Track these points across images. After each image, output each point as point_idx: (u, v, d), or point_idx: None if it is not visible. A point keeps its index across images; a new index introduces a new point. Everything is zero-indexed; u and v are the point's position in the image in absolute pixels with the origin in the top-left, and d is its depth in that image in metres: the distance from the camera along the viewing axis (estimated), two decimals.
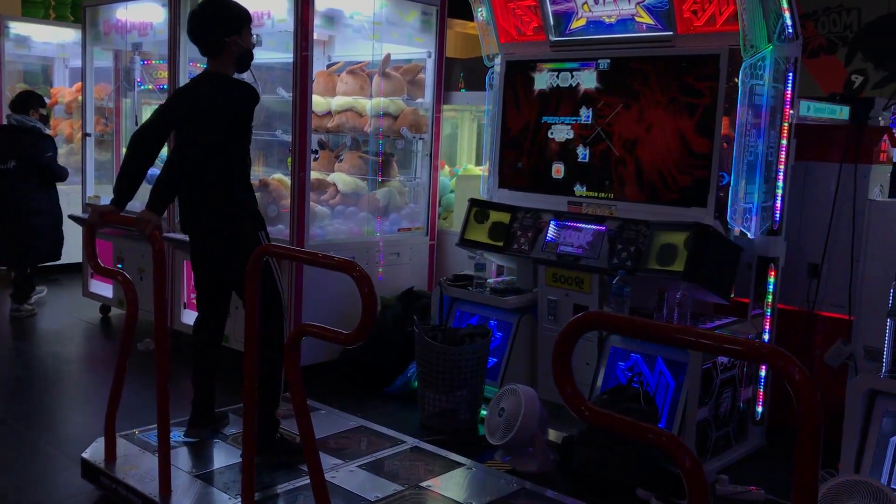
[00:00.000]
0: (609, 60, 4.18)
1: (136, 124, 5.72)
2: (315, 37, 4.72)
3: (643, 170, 4.07)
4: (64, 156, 7.95)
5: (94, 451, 3.51)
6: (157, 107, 3.69)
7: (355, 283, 2.41)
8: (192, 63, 5.25)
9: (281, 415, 3.60)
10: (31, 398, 4.54)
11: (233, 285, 3.67)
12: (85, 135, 6.51)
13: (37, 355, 5.36)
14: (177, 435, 3.66)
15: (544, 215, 4.32)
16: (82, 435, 3.87)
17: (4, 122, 6.67)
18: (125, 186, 3.46)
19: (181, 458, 3.48)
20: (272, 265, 3.47)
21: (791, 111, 3.87)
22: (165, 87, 5.82)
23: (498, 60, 4.66)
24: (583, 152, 4.29)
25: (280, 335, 3.47)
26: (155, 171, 3.61)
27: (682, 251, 3.71)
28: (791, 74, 3.85)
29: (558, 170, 4.39)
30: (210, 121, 3.40)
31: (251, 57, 3.62)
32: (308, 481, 2.79)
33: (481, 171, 5.02)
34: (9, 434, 4.01)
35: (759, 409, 4.05)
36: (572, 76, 4.32)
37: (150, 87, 6.02)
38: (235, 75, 3.61)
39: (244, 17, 3.57)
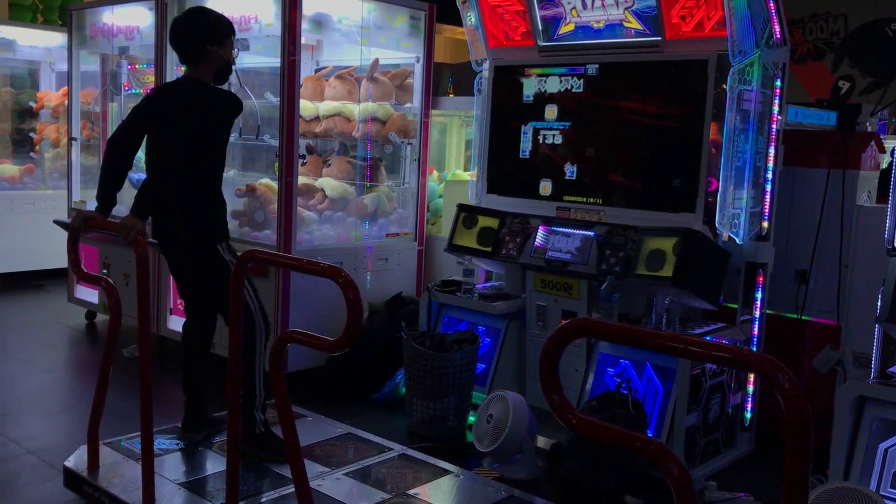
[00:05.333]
0: (597, 66, 4.17)
1: None
2: (303, 41, 4.70)
3: (632, 175, 4.07)
4: (50, 160, 7.91)
5: (78, 460, 3.47)
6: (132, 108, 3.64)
7: (341, 290, 2.38)
8: (178, 67, 5.22)
9: (270, 419, 3.58)
10: (13, 404, 4.49)
11: (189, 292, 3.71)
12: (71, 139, 6.46)
13: (20, 361, 5.30)
14: (168, 443, 3.64)
15: (533, 220, 4.30)
16: (65, 442, 3.83)
17: None
18: (107, 193, 3.45)
19: (165, 467, 3.43)
20: (223, 258, 3.51)
21: (779, 117, 3.87)
22: (135, 90, 5.79)
23: (486, 65, 4.65)
24: (571, 157, 4.28)
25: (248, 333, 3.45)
26: (141, 175, 3.57)
27: (670, 257, 3.70)
28: (779, 80, 3.86)
29: (546, 175, 4.38)
30: (190, 129, 3.36)
31: (230, 70, 3.62)
32: (293, 489, 2.76)
33: (470, 176, 5.00)
34: None
35: (748, 414, 4.04)
36: (560, 81, 4.32)
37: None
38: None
39: (227, 28, 3.58)
